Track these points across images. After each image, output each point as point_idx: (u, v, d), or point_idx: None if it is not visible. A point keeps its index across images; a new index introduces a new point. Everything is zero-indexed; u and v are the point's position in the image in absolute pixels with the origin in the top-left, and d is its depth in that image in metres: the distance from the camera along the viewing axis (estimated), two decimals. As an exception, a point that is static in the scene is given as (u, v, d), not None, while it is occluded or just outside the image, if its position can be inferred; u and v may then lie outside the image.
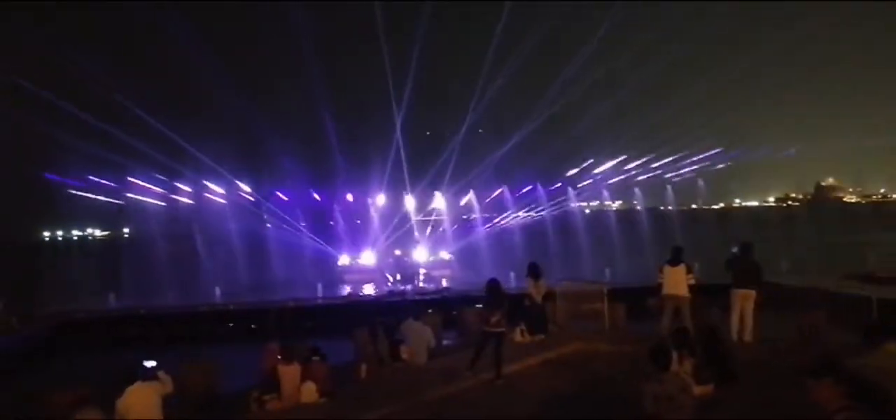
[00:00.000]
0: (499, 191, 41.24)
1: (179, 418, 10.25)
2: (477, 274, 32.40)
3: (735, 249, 15.19)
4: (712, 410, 9.07)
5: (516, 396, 11.35)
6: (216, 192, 44.27)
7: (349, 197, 46.67)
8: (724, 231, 35.23)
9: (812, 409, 4.92)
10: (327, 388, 11.27)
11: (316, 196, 49.99)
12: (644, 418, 7.14)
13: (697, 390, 8.84)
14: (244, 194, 45.62)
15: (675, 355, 9.39)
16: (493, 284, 12.46)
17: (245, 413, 11.09)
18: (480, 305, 12.46)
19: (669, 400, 7.04)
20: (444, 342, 16.98)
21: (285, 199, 48.57)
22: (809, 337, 14.86)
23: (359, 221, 43.98)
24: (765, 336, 14.37)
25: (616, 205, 42.79)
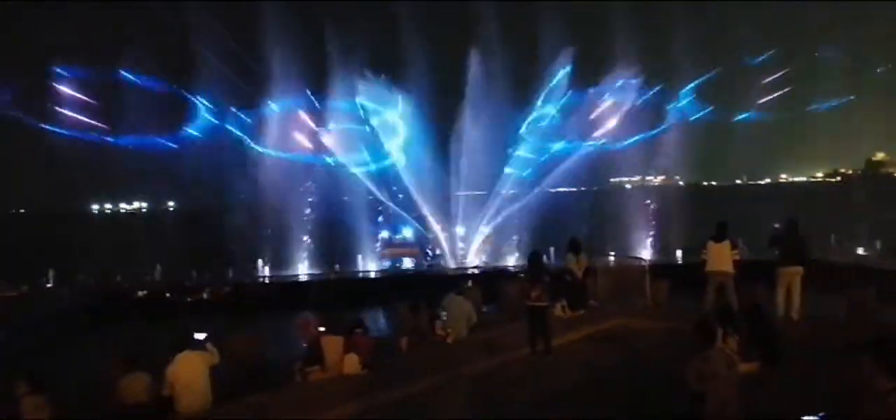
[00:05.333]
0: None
1: (226, 388, 10.51)
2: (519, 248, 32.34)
3: (778, 225, 14.91)
4: (758, 388, 8.95)
5: (557, 371, 11.35)
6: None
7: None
8: (770, 207, 34.43)
9: (860, 387, 4.82)
10: (369, 361, 11.42)
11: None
12: (688, 395, 7.09)
13: (743, 367, 8.73)
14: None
15: (719, 332, 9.30)
16: (535, 258, 12.39)
17: (290, 383, 11.31)
18: (523, 276, 12.33)
19: (714, 377, 6.97)
20: (485, 316, 17.02)
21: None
22: (857, 314, 14.54)
23: None
24: (811, 313, 14.10)
25: (658, 180, 41.78)
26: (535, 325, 12.01)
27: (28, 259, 29.81)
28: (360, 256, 32.92)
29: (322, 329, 11.90)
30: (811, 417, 6.14)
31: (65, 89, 30.77)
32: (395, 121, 36.01)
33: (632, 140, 35.28)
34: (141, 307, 25.77)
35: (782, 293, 13.85)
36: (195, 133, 33.69)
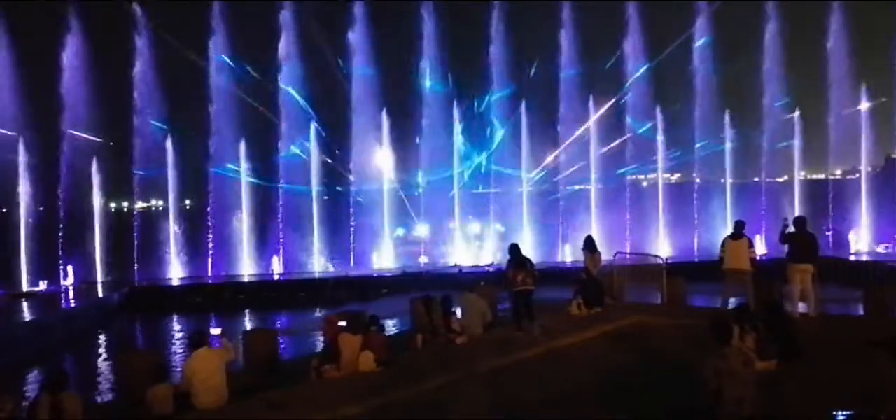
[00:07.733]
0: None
1: (242, 383, 10.58)
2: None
3: (785, 219, 14.95)
4: (775, 386, 8.87)
5: (572, 368, 11.32)
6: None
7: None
8: (787, 204, 34.11)
9: (879, 385, 4.77)
10: (384, 358, 11.43)
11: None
12: (705, 393, 7.03)
13: (760, 365, 8.67)
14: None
15: (736, 330, 9.23)
16: (514, 247, 13.75)
17: (305, 380, 11.34)
18: (506, 266, 13.86)
19: (731, 375, 6.91)
20: (500, 314, 16.97)
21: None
22: (876, 311, 14.42)
23: None
24: (830, 310, 14.02)
25: (675, 177, 41.47)
26: (521, 306, 13.37)
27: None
28: (375, 254, 32.99)
29: (343, 323, 11.95)
30: (842, 414, 6.09)
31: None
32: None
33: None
34: (161, 305, 26.07)
35: (796, 290, 13.83)
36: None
